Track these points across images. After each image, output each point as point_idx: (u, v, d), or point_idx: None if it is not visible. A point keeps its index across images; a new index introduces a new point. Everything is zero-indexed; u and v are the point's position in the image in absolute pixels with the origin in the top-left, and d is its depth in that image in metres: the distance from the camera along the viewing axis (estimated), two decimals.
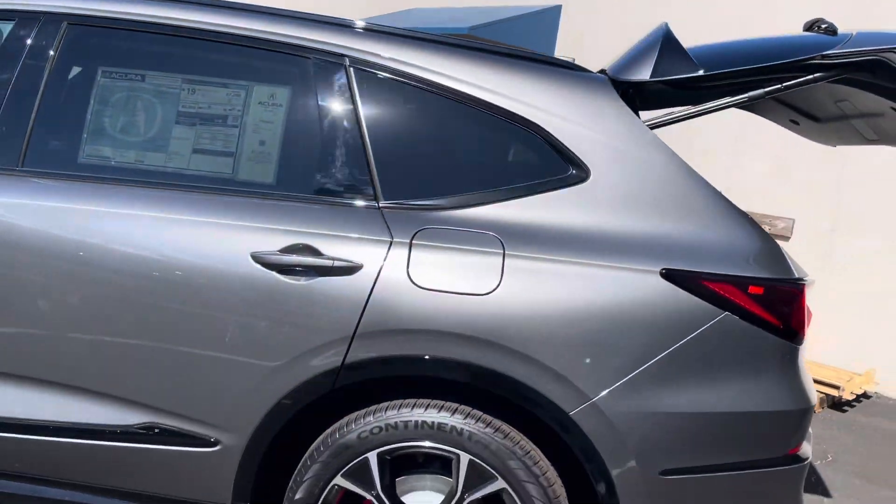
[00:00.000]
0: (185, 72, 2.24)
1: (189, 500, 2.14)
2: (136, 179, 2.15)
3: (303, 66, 2.20)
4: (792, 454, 2.10)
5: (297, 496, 2.07)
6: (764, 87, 2.17)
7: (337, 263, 2.00)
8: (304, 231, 2.04)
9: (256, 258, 2.02)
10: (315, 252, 2.02)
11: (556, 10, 7.67)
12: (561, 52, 7.78)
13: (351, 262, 2.00)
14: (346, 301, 1.99)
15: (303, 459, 2.10)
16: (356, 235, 2.04)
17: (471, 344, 1.97)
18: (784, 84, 2.13)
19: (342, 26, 2.23)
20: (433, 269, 2.00)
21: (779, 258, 2.08)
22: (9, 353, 2.12)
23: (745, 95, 2.16)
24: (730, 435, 2.03)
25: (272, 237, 2.04)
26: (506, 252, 2.00)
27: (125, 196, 2.11)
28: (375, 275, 1.99)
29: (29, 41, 2.23)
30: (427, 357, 1.99)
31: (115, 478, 2.15)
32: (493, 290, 1.97)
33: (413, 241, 2.02)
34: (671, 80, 2.13)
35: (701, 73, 2.10)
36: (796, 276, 2.07)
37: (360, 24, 2.25)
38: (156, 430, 2.10)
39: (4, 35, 2.27)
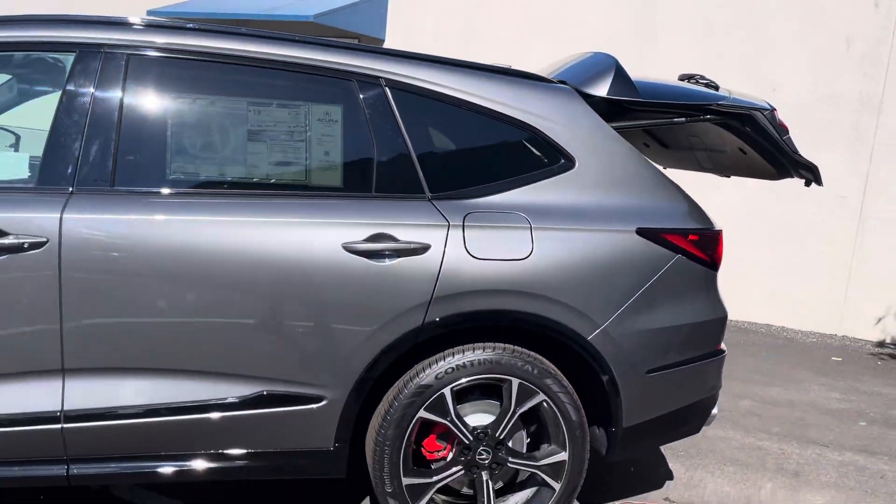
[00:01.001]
0: (250, 96, 2.62)
1: (296, 451, 2.61)
2: (231, 191, 2.54)
3: (347, 88, 2.68)
4: (718, 349, 3.04)
5: (390, 431, 2.62)
6: (672, 119, 3.03)
7: (412, 245, 2.56)
8: (380, 223, 2.57)
9: (347, 248, 2.52)
10: (393, 238, 2.56)
11: None
12: (391, 35, 8.38)
13: (422, 243, 2.58)
14: (423, 274, 2.57)
15: (387, 401, 2.65)
16: (421, 222, 2.60)
17: (517, 296, 2.64)
18: (692, 118, 3.01)
19: (378, 53, 2.74)
20: (484, 243, 2.63)
21: (702, 214, 2.97)
22: (144, 350, 2.43)
23: (674, 120, 3.02)
24: (686, 340, 2.91)
25: (356, 230, 2.55)
26: (532, 226, 2.68)
27: (232, 206, 2.49)
28: (442, 251, 2.59)
29: (95, 71, 2.48)
30: (487, 310, 2.64)
31: (230, 443, 2.55)
32: (529, 255, 2.65)
33: (465, 224, 2.63)
34: (621, 100, 2.90)
35: (642, 100, 2.90)
36: (714, 225, 2.97)
37: (391, 49, 2.77)
38: (267, 400, 2.53)
39: (68, 65, 2.49)
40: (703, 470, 3.73)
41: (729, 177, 3.69)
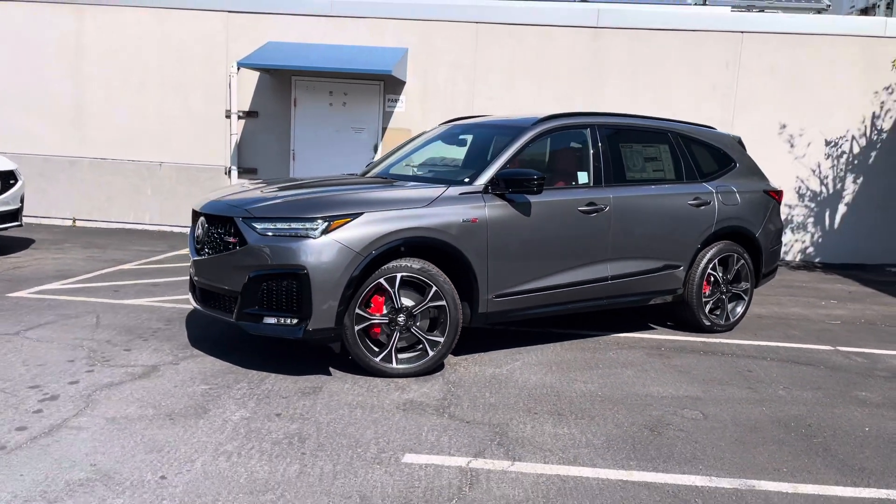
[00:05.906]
0: (639, 143, 6.21)
1: (667, 290, 6.23)
2: (643, 182, 6.11)
3: (664, 136, 6.37)
4: (781, 243, 7.20)
5: (698, 280, 6.36)
6: None
7: (707, 201, 6.34)
8: (694, 193, 6.31)
9: (689, 203, 6.23)
10: (700, 199, 6.31)
11: (406, 51, 11.41)
12: (411, 81, 11.56)
13: (709, 200, 6.36)
14: (711, 213, 6.37)
15: (694, 268, 6.36)
16: (706, 192, 6.39)
17: (738, 220, 6.54)
18: None
19: (671, 120, 6.47)
20: (726, 200, 6.48)
21: (769, 181, 7.08)
22: (629, 248, 5.91)
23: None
24: (776, 236, 7.05)
25: (689, 197, 6.27)
26: (736, 191, 6.58)
27: (645, 187, 6.08)
28: (716, 203, 6.40)
29: (587, 135, 5.91)
30: (728, 226, 6.49)
31: (649, 287, 6.11)
32: (739, 203, 6.57)
33: (717, 192, 6.47)
34: (741, 142, 6.92)
35: (743, 149, 6.94)
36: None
37: (674, 118, 6.50)
38: (665, 268, 6.14)
39: (585, 137, 5.89)
40: (773, 299, 7.88)
41: None
